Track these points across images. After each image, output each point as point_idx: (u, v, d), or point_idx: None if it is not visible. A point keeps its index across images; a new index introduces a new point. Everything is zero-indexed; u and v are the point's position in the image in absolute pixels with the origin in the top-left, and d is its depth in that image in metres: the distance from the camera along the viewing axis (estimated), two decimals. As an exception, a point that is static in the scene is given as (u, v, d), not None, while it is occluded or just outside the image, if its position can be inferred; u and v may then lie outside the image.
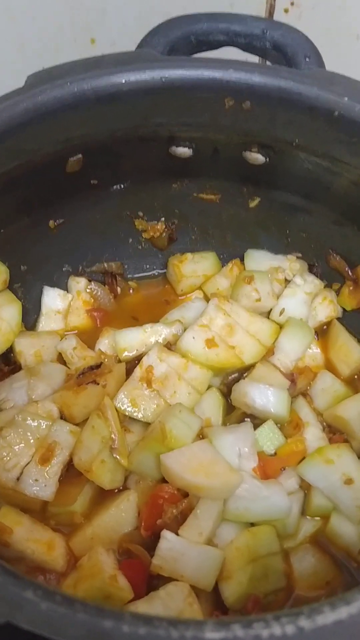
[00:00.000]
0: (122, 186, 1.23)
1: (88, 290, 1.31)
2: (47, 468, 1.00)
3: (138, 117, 1.05)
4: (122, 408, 1.09)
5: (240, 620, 0.54)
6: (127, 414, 1.09)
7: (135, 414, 1.09)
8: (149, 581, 0.95)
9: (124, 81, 0.99)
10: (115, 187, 1.23)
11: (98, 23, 1.40)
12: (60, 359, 1.21)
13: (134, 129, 1.07)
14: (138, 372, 1.12)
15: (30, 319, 1.28)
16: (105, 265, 1.33)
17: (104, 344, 1.22)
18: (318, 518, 1.05)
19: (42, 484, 1.00)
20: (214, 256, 1.35)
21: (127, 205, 1.28)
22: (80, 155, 1.09)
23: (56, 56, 1.42)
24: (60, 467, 1.01)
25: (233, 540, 0.98)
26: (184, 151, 1.15)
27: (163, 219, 1.32)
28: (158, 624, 0.54)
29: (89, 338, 1.25)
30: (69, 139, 1.04)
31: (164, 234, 1.33)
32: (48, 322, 1.28)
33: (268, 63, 1.14)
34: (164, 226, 1.33)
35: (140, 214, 1.31)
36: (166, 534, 0.94)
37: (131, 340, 1.18)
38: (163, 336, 1.18)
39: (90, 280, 1.32)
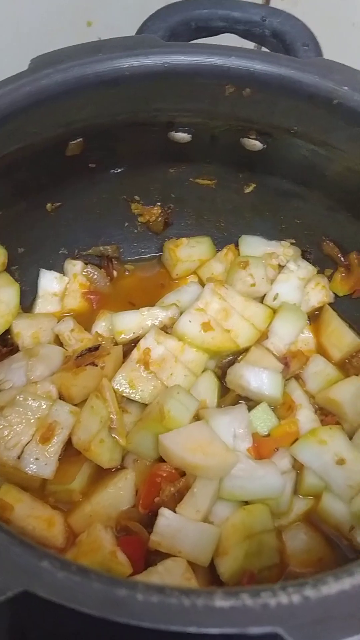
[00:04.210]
0: (119, 170, 1.24)
1: (84, 273, 1.32)
2: (48, 447, 1.02)
3: (139, 101, 1.06)
4: (120, 389, 1.11)
5: (248, 590, 0.57)
6: (124, 395, 1.11)
7: (133, 395, 1.11)
8: (147, 557, 0.97)
9: (126, 66, 1.00)
10: (112, 171, 1.24)
11: (96, 6, 1.40)
12: (57, 341, 1.22)
13: (134, 113, 1.08)
14: (135, 354, 1.14)
15: (27, 301, 1.29)
16: (102, 248, 1.34)
17: (100, 326, 1.23)
18: (310, 497, 1.08)
19: (42, 462, 1.01)
20: (209, 241, 1.36)
21: (124, 189, 1.29)
22: (80, 139, 1.10)
23: (53, 39, 1.41)
24: (60, 446, 1.03)
25: (229, 517, 1.00)
26: (182, 136, 1.16)
27: (159, 203, 1.34)
28: (170, 593, 0.56)
29: (85, 320, 1.26)
30: (71, 122, 1.05)
31: (160, 218, 1.35)
32: (45, 304, 1.29)
33: (264, 49, 1.16)
34: (160, 210, 1.34)
35: (137, 198, 1.32)
36: (164, 511, 0.97)
37: (128, 323, 1.20)
38: (160, 319, 1.20)
39: (86, 263, 1.33)
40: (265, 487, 1.02)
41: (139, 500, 1.03)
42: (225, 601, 0.56)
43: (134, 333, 1.19)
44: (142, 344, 1.14)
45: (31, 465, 1.01)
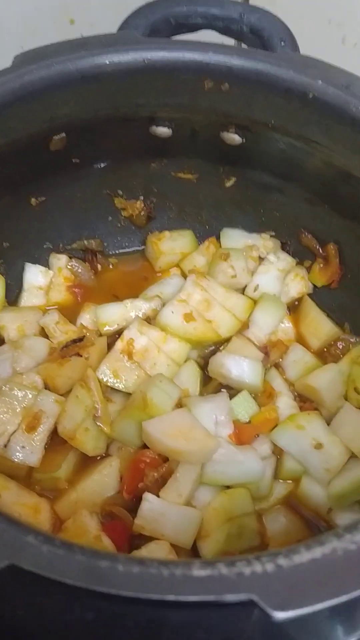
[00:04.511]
0: (102, 165, 1.27)
1: (69, 267, 1.34)
2: (34, 435, 1.04)
3: (120, 97, 1.08)
4: (105, 379, 1.14)
5: (224, 560, 0.60)
6: (109, 384, 1.14)
7: (117, 385, 1.14)
8: (131, 541, 0.99)
9: (107, 62, 1.02)
10: (95, 165, 1.26)
11: (77, 4, 1.42)
12: (43, 333, 1.24)
13: (116, 108, 1.10)
14: (119, 345, 1.16)
15: (12, 295, 1.31)
16: (85, 242, 1.36)
17: (85, 318, 1.25)
18: (289, 481, 1.11)
19: (28, 450, 1.04)
20: (191, 234, 1.39)
21: (107, 184, 1.31)
22: (63, 134, 1.12)
23: (35, 36, 1.44)
24: (46, 434, 1.05)
25: (210, 501, 1.03)
26: (163, 131, 1.18)
27: (142, 197, 1.36)
28: (150, 564, 0.59)
29: (70, 313, 1.28)
30: (54, 117, 1.07)
31: (143, 212, 1.37)
32: (30, 297, 1.31)
33: (244, 46, 1.19)
34: (142, 204, 1.36)
35: (120, 192, 1.34)
36: (147, 496, 0.99)
37: (112, 314, 1.22)
38: (143, 311, 1.22)
39: (70, 257, 1.35)
40: (245, 471, 1.05)
41: (123, 486, 1.05)
42: (202, 571, 0.58)
43: (117, 325, 1.21)
44: (126, 334, 1.17)
45: (17, 454, 1.04)
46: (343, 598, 0.58)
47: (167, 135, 1.19)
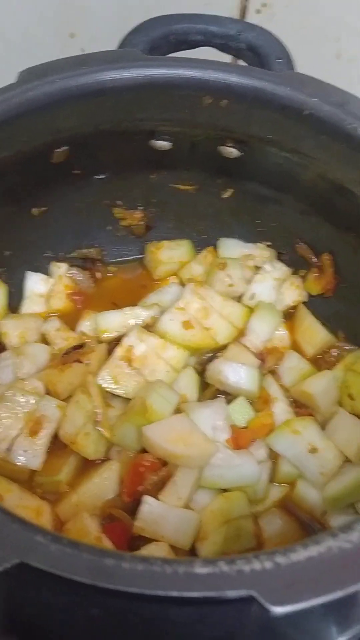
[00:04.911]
0: (103, 176, 1.29)
1: (69, 275, 1.37)
2: (36, 439, 1.07)
3: (121, 112, 1.11)
4: (105, 385, 1.16)
5: (225, 558, 0.62)
6: (109, 390, 1.16)
7: (117, 391, 1.16)
8: (131, 542, 1.02)
9: (109, 78, 1.05)
10: (96, 177, 1.29)
11: (78, 18, 1.46)
12: (44, 340, 1.27)
13: (117, 123, 1.13)
14: (119, 351, 1.19)
15: (13, 302, 1.33)
16: (86, 251, 1.39)
17: (85, 325, 1.28)
18: (285, 484, 1.13)
19: (30, 454, 1.06)
20: (189, 244, 1.42)
21: (107, 194, 1.34)
22: (66, 147, 1.15)
23: (38, 50, 1.48)
24: (48, 438, 1.08)
25: (208, 504, 1.05)
26: (163, 144, 1.21)
27: (141, 207, 1.39)
28: (154, 562, 0.62)
29: (70, 320, 1.30)
30: (57, 131, 1.10)
31: (142, 222, 1.40)
32: (31, 305, 1.34)
33: (241, 62, 1.22)
34: (141, 214, 1.39)
35: (120, 202, 1.37)
36: (147, 499, 1.02)
37: (112, 322, 1.25)
38: (142, 318, 1.25)
39: (71, 266, 1.38)
40: (242, 475, 1.07)
41: (123, 489, 1.08)
42: (204, 568, 0.61)
43: (117, 332, 1.24)
44: (125, 341, 1.20)
45: (20, 457, 1.06)
46: (338, 594, 0.61)
47: (167, 148, 1.22)
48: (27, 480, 1.09)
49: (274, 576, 0.61)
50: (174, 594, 0.60)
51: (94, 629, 0.67)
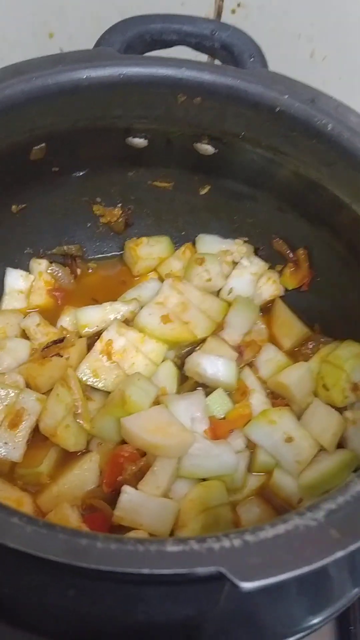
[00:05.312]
0: (81, 173, 1.31)
1: (49, 271, 1.39)
2: (16, 432, 1.09)
3: (98, 109, 1.13)
4: (85, 378, 1.18)
5: (195, 537, 0.65)
6: (89, 383, 1.18)
7: (96, 384, 1.18)
8: (111, 531, 1.04)
9: (84, 77, 1.07)
10: (75, 174, 1.31)
11: (56, 18, 1.47)
12: (24, 335, 1.29)
13: (93, 120, 1.15)
14: (99, 345, 1.21)
15: (-7, 299, 1.35)
16: (65, 247, 1.41)
17: (65, 320, 1.30)
18: (262, 473, 1.16)
19: (11, 446, 1.08)
20: (168, 240, 1.44)
21: (86, 192, 1.36)
22: (43, 144, 1.16)
23: (15, 49, 1.49)
24: (28, 431, 1.10)
25: (187, 493, 1.08)
26: (139, 142, 1.23)
27: (120, 204, 1.41)
28: (127, 541, 0.64)
29: (50, 316, 1.32)
30: (34, 129, 1.11)
31: (121, 219, 1.42)
32: (11, 301, 1.35)
33: (217, 61, 1.25)
34: (120, 211, 1.41)
35: (99, 199, 1.39)
36: (126, 489, 1.04)
37: (91, 317, 1.27)
38: (121, 313, 1.27)
39: (51, 262, 1.39)
40: (220, 464, 1.10)
41: (103, 480, 1.10)
42: (175, 546, 0.63)
43: (97, 326, 1.26)
44: (105, 335, 1.22)
45: (0, 449, 1.08)
46: (305, 569, 0.63)
47: (143, 145, 1.24)
48: (9, 472, 1.11)
49: (243, 553, 0.64)
50: (146, 571, 0.62)
51: (70, 609, 0.69)
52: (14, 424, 1.09)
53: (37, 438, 1.12)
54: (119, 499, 1.03)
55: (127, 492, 1.03)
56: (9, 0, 1.42)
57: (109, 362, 1.20)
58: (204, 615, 0.70)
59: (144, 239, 1.42)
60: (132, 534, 1.01)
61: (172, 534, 1.04)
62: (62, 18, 1.48)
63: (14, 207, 1.30)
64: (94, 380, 1.19)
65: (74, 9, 1.46)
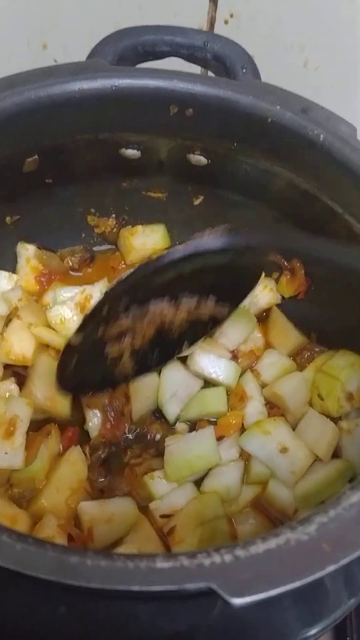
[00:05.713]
0: (75, 184, 1.31)
1: (38, 257, 1.36)
2: (12, 440, 1.09)
3: (90, 121, 1.13)
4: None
5: (186, 553, 0.64)
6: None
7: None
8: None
9: (77, 89, 1.08)
10: (68, 185, 1.31)
11: (50, 29, 1.48)
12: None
13: (86, 132, 1.15)
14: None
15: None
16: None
17: (50, 296, 1.32)
18: (257, 484, 1.15)
19: (11, 455, 1.08)
20: (164, 229, 1.41)
21: (80, 202, 1.36)
22: (36, 156, 1.17)
23: (10, 59, 1.50)
24: (23, 436, 1.10)
25: (183, 508, 1.08)
26: (132, 153, 1.23)
27: (114, 215, 1.41)
28: (117, 558, 0.63)
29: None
30: (26, 141, 1.12)
31: (115, 229, 1.42)
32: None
33: (210, 73, 1.25)
34: (115, 222, 1.41)
35: (93, 210, 1.39)
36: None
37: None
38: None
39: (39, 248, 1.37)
40: (202, 450, 1.12)
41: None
42: (165, 563, 0.63)
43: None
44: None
45: (2, 460, 1.08)
46: (296, 584, 0.63)
47: (136, 156, 1.24)
48: (6, 481, 1.11)
49: (234, 569, 0.63)
50: (136, 588, 0.61)
51: (61, 627, 0.68)
52: (9, 433, 1.09)
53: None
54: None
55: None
56: (3, 11, 1.42)
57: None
58: (197, 630, 0.70)
59: (139, 228, 1.40)
60: (121, 549, 1.01)
61: (169, 549, 1.04)
62: (56, 29, 1.48)
63: (7, 218, 1.30)
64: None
65: (67, 20, 1.47)
